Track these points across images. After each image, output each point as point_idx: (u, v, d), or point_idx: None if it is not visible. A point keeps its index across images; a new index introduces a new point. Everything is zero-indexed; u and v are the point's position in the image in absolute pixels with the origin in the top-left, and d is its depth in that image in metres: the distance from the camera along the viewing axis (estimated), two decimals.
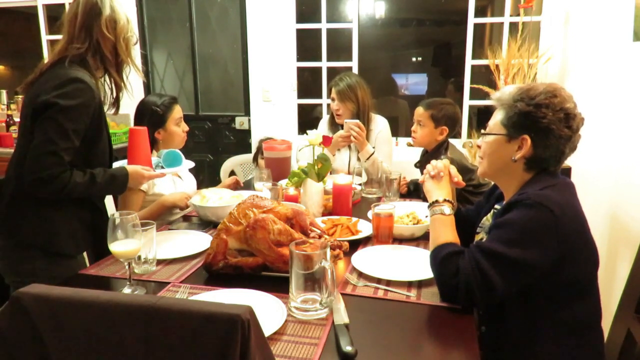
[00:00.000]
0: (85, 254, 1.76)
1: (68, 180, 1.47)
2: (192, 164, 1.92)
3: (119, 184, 1.62)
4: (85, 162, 1.57)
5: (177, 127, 2.12)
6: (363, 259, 1.45)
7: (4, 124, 4.04)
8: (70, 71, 1.52)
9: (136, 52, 1.74)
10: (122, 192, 1.74)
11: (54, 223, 1.56)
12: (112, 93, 1.70)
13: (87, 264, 1.77)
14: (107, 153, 1.68)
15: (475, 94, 3.46)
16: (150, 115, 2.06)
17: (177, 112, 2.13)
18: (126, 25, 1.65)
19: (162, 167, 1.78)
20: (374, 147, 2.55)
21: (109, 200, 2.24)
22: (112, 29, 1.61)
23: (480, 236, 1.42)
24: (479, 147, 1.37)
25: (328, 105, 3.73)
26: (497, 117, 1.30)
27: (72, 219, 1.60)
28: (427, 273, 1.30)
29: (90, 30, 1.59)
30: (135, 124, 2.09)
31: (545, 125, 1.21)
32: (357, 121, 2.42)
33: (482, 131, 1.36)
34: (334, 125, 2.68)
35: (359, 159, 2.55)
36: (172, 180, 2.11)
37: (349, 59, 3.67)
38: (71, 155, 1.49)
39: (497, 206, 1.41)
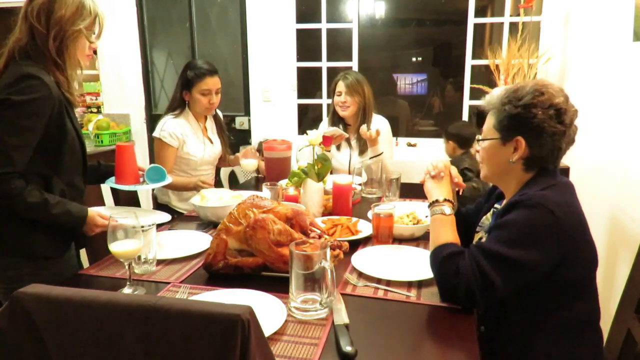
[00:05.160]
0: (77, 252, 1.73)
1: (18, 192, 1.36)
2: (169, 180, 1.84)
3: (72, 224, 1.49)
4: (52, 165, 1.47)
5: (201, 96, 2.31)
6: (363, 259, 1.45)
7: None
8: (23, 68, 1.39)
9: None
10: (74, 231, 1.55)
11: (31, 227, 1.46)
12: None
13: (80, 264, 1.74)
14: (78, 154, 1.55)
15: (475, 94, 3.45)
16: (183, 76, 2.34)
17: (206, 84, 2.29)
18: (67, 17, 1.42)
19: (145, 182, 1.74)
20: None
21: (108, 197, 2.25)
22: (44, 19, 1.41)
23: (480, 235, 1.42)
24: (477, 152, 1.37)
25: (328, 105, 3.74)
26: (490, 122, 1.30)
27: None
28: (427, 273, 1.30)
29: (25, 19, 1.42)
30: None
31: (536, 125, 1.20)
32: (335, 129, 2.43)
33: (477, 137, 1.37)
34: (335, 125, 2.69)
35: (360, 154, 2.57)
36: (203, 141, 2.41)
37: (349, 59, 3.67)
38: (24, 155, 1.37)
39: (496, 205, 1.41)
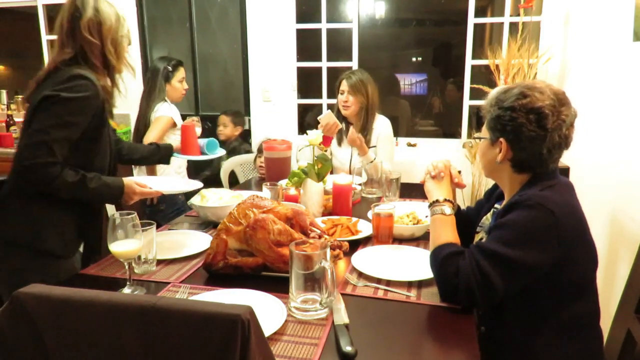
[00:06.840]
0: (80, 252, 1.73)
1: (57, 175, 1.42)
2: (223, 152, 2.19)
3: (111, 195, 1.56)
4: (84, 161, 1.52)
5: (179, 84, 2.78)
6: (363, 259, 1.45)
7: (4, 124, 4.04)
8: (73, 69, 1.48)
9: (134, 52, 1.72)
10: (114, 204, 1.63)
11: (43, 222, 1.50)
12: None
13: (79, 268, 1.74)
14: (107, 153, 1.62)
15: (475, 94, 3.45)
16: (162, 71, 2.71)
17: (181, 72, 2.78)
18: (114, 27, 1.57)
19: (205, 154, 2.07)
20: (374, 146, 2.57)
21: None
22: (96, 32, 1.53)
23: (480, 235, 1.42)
24: (468, 147, 1.39)
25: (329, 105, 3.74)
26: (486, 121, 1.32)
27: (62, 219, 1.54)
28: (427, 273, 1.30)
29: (74, 36, 1.52)
30: (148, 80, 2.75)
31: (514, 128, 1.20)
32: (330, 112, 2.45)
33: (474, 134, 1.37)
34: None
35: (360, 154, 2.57)
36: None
37: (349, 59, 3.67)
38: (64, 148, 1.44)
39: (497, 205, 1.42)
